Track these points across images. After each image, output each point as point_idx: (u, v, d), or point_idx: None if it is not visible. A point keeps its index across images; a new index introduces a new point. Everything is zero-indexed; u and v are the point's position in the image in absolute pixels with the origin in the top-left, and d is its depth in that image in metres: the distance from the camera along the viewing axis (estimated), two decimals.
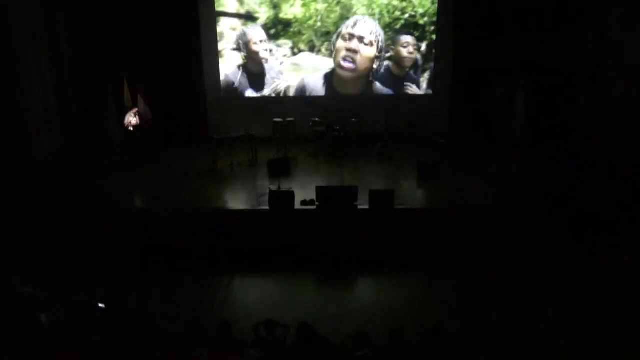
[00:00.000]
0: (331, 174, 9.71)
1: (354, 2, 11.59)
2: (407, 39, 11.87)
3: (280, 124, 11.17)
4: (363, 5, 11.60)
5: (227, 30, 11.83)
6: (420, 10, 11.65)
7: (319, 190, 8.09)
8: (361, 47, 11.82)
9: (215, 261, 7.57)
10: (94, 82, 10.51)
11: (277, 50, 11.86)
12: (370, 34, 11.75)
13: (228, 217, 8.13)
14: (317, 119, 11.37)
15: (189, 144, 11.46)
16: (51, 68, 9.96)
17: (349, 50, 11.84)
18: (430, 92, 12.13)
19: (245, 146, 10.54)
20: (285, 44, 11.80)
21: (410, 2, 11.59)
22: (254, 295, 6.97)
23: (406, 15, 11.67)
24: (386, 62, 11.98)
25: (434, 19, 11.69)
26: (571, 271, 7.18)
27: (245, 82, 12.03)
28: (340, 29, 11.75)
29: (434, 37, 11.80)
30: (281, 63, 11.93)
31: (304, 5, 11.51)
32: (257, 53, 11.85)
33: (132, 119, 10.32)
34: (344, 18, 11.69)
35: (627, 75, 9.13)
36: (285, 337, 4.72)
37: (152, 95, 10.60)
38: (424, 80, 12.10)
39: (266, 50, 11.84)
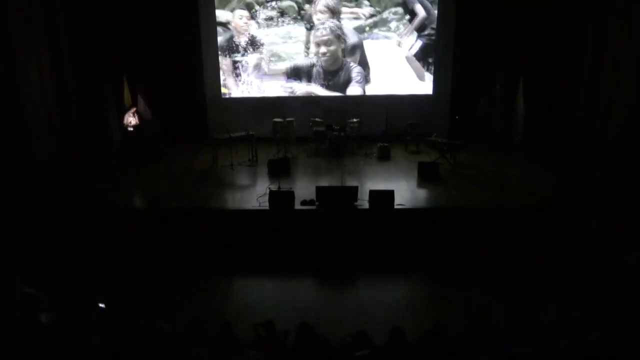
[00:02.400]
0: (331, 174, 9.71)
1: None
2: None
3: (280, 124, 11.18)
4: None
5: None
6: None
7: (319, 190, 8.09)
8: None
9: (215, 261, 7.58)
10: (94, 82, 10.51)
11: None
12: None
13: (228, 217, 8.13)
14: (317, 119, 11.38)
15: (189, 144, 11.47)
16: (51, 68, 9.96)
17: None
18: (430, 92, 12.12)
19: (245, 146, 10.54)
20: None
21: None
22: (254, 296, 6.97)
23: None
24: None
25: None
26: (571, 272, 7.17)
27: None
28: None
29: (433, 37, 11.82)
30: None
31: None
32: None
33: (132, 119, 10.33)
34: None
35: (627, 75, 9.12)
36: (285, 338, 4.71)
37: (152, 95, 10.61)
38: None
39: None
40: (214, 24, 11.72)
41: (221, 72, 11.96)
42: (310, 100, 12.01)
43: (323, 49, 11.75)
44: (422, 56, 11.91)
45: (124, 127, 10.24)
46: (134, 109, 10.31)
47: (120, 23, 10.92)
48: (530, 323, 4.74)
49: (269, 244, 7.81)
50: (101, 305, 5.00)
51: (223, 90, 12.08)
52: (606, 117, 9.73)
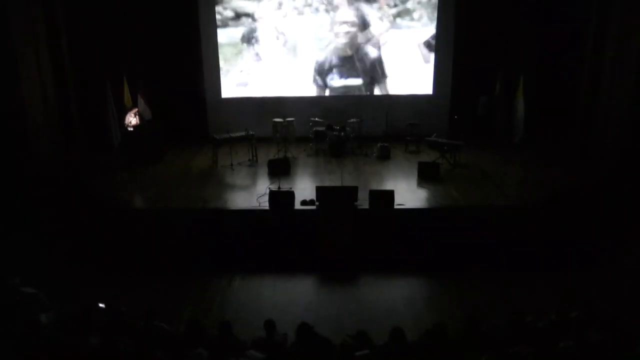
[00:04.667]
0: (331, 174, 9.71)
1: None
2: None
3: (280, 124, 11.18)
4: None
5: None
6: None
7: (319, 190, 8.09)
8: None
9: (215, 261, 7.58)
10: (94, 82, 10.51)
11: None
12: None
13: (228, 217, 8.13)
14: (317, 119, 11.38)
15: (189, 144, 11.48)
16: (51, 68, 9.96)
17: None
18: (431, 92, 12.12)
19: (245, 146, 10.55)
20: None
21: None
22: (254, 295, 6.97)
23: None
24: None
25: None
26: (571, 271, 7.17)
27: None
28: None
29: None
30: None
31: None
32: None
33: (132, 119, 10.31)
34: None
35: (628, 73, 9.12)
36: (285, 341, 4.71)
37: (152, 96, 10.61)
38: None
39: None
40: (214, 23, 11.71)
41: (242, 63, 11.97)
42: (310, 100, 12.01)
43: (345, 28, 11.71)
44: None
45: (124, 127, 10.24)
46: (135, 109, 10.30)
47: (121, 23, 10.92)
48: (530, 323, 4.75)
49: (269, 244, 7.81)
50: (101, 305, 5.00)
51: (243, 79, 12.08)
52: (606, 117, 9.73)
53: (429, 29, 11.79)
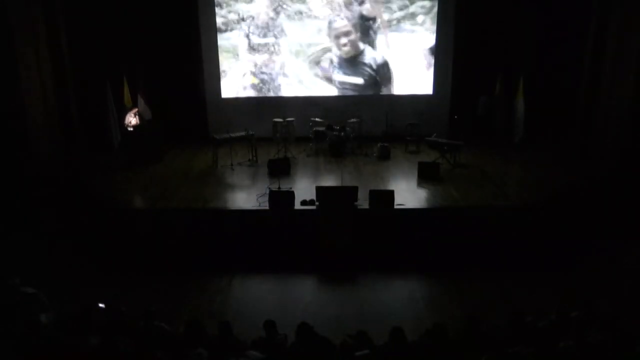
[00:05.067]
0: (331, 174, 9.72)
1: None
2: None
3: (280, 124, 11.18)
4: None
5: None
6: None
7: (319, 190, 8.09)
8: None
9: (215, 261, 7.58)
10: (94, 82, 10.51)
11: None
12: None
13: (228, 217, 8.13)
14: (317, 119, 11.38)
15: (189, 144, 11.48)
16: (51, 68, 9.96)
17: None
18: (431, 92, 12.12)
19: (245, 146, 10.55)
20: None
21: None
22: (254, 296, 6.97)
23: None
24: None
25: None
26: (571, 271, 7.17)
27: None
28: None
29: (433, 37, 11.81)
30: None
31: None
32: None
33: (132, 119, 10.32)
34: None
35: (628, 73, 9.12)
36: (285, 341, 4.71)
37: (152, 95, 10.61)
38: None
39: None
40: (214, 23, 11.71)
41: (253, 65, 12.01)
42: (310, 101, 12.01)
43: (343, 40, 11.74)
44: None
45: (124, 127, 10.24)
46: (135, 109, 10.31)
47: (121, 23, 10.92)
48: (530, 323, 4.74)
49: (269, 244, 7.81)
50: (101, 305, 5.00)
51: (253, 80, 12.04)
52: (606, 117, 9.73)
53: (432, 34, 11.77)
